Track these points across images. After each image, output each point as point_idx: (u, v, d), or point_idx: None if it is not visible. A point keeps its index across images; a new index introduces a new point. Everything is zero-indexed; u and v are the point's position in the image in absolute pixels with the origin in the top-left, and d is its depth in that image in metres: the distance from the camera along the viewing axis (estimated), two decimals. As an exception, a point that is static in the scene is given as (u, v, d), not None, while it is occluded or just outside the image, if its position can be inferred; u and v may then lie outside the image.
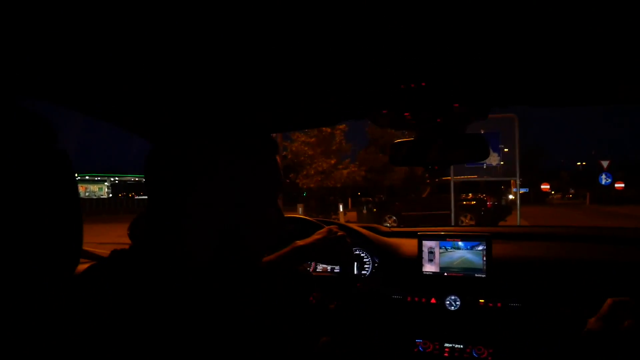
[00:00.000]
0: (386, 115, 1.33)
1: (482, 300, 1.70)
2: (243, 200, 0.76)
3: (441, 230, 1.93)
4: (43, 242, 0.60)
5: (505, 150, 9.09)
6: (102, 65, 0.98)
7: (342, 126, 23.88)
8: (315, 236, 1.33)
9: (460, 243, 1.77)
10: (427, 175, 27.14)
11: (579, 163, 60.79)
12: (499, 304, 1.67)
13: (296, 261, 1.28)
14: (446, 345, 1.69)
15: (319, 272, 1.98)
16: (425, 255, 1.82)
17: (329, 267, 1.98)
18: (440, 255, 1.79)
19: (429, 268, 1.81)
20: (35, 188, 0.59)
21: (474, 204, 14.68)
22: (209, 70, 1.04)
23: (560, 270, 1.67)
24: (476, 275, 1.73)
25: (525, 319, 1.62)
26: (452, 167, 9.32)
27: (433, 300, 1.77)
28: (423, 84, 1.15)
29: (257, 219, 0.79)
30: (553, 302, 1.59)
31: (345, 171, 24.10)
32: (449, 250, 1.78)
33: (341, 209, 17.81)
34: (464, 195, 14.59)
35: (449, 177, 9.88)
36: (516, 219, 9.55)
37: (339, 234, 1.34)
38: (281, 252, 1.26)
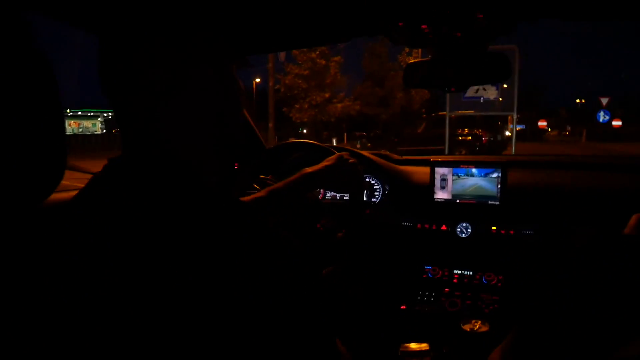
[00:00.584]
0: (402, 28, 1.24)
1: (495, 228, 1.67)
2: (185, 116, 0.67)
3: (455, 157, 1.87)
4: (24, 145, 0.55)
5: (504, 85, 8.82)
6: None
7: (336, 57, 23.20)
8: (325, 163, 1.28)
9: (474, 170, 1.71)
10: (423, 110, 26.79)
11: (578, 100, 59.58)
12: (511, 232, 1.64)
13: (304, 188, 1.24)
14: (455, 271, 1.68)
15: (327, 199, 1.95)
16: (437, 182, 1.77)
17: (338, 195, 1.95)
18: (453, 183, 1.74)
19: (440, 195, 1.77)
20: (13, 87, 0.53)
21: (469, 139, 14.62)
22: None
23: (575, 198, 1.62)
24: (489, 202, 1.69)
25: (537, 247, 1.59)
26: (447, 100, 9.14)
27: (444, 227, 1.74)
28: None
29: (201, 141, 0.69)
30: (567, 230, 1.55)
31: (339, 105, 23.66)
32: (462, 177, 1.73)
33: (334, 144, 17.77)
34: (460, 130, 14.56)
35: (444, 112, 9.73)
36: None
37: (350, 161, 1.29)
38: (289, 180, 1.22)
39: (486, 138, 14.43)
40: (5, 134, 0.52)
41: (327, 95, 23.11)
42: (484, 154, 13.57)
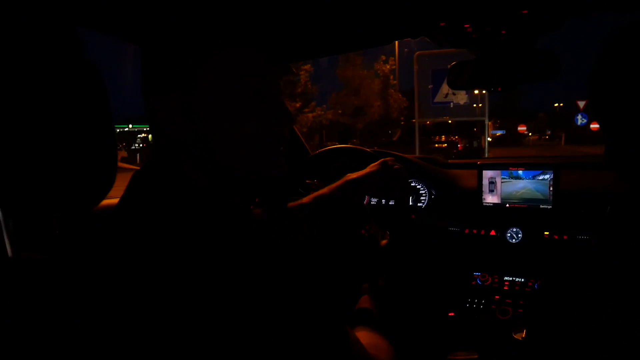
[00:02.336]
0: (444, 28, 1.21)
1: (547, 233, 1.60)
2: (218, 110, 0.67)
3: (503, 159, 1.81)
4: (77, 154, 0.57)
5: (475, 90, 8.48)
6: None
7: (306, 66, 22.96)
8: (370, 169, 1.26)
9: (524, 172, 1.65)
10: (402, 118, 26.11)
11: (556, 104, 58.30)
12: (565, 237, 1.57)
13: (349, 195, 1.22)
14: (506, 278, 1.62)
15: (372, 203, 1.93)
16: (485, 185, 1.72)
17: (383, 200, 1.93)
18: (502, 186, 1.69)
19: (489, 199, 1.71)
20: (67, 99, 0.55)
21: (445, 146, 14.46)
22: None
23: (634, 200, 1.53)
24: (541, 206, 1.62)
25: (594, 253, 1.51)
26: (416, 107, 8.96)
27: (493, 233, 1.68)
28: None
29: (234, 133, 0.68)
30: (628, 235, 1.47)
31: (311, 115, 23.39)
32: (511, 180, 1.67)
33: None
34: (437, 138, 14.35)
35: (414, 120, 9.57)
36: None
37: (395, 167, 1.27)
38: (333, 186, 1.21)
39: (462, 145, 14.29)
40: (63, 142, 0.55)
41: (297, 104, 22.79)
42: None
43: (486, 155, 9.60)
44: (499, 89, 1.45)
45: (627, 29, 0.58)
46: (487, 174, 1.71)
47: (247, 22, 0.69)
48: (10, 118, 0.51)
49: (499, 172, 1.69)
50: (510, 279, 1.61)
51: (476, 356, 1.12)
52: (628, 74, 0.57)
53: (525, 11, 1.08)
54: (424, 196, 1.87)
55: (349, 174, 1.24)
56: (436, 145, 14.65)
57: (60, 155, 0.54)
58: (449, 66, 1.50)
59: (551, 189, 1.60)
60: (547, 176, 1.61)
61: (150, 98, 0.68)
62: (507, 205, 1.68)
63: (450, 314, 1.59)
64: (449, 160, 2.08)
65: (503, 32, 1.19)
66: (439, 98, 8.32)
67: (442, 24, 1.17)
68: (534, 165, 1.64)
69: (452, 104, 8.44)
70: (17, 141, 0.51)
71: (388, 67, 25.35)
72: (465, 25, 1.16)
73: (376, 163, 1.28)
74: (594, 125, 30.63)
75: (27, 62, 0.52)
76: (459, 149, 14.49)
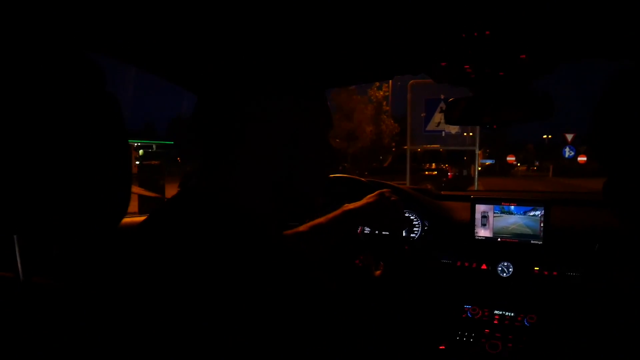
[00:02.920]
0: (445, 68, 1.25)
1: (537, 268, 1.63)
2: (293, 146, 0.75)
3: (496, 194, 1.85)
4: (94, 183, 0.58)
5: None
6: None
7: None
8: (367, 200, 1.28)
9: (515, 208, 1.68)
10: (393, 144, 26.38)
11: (545, 136, 60.74)
12: (554, 273, 1.60)
13: (346, 225, 1.24)
14: (496, 312, 1.64)
15: (366, 233, 1.95)
16: (478, 219, 1.74)
17: (377, 230, 1.94)
18: (494, 220, 1.72)
19: (482, 233, 1.74)
20: (88, 129, 0.58)
21: (435, 174, 14.66)
22: (259, 20, 0.99)
23: (622, 238, 1.57)
24: (532, 241, 1.65)
25: (583, 290, 1.54)
26: (408, 134, 9.15)
27: (484, 266, 1.71)
28: (487, 32, 1.06)
29: (309, 163, 0.78)
30: (616, 273, 1.49)
31: None
32: (503, 215, 1.71)
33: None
34: (427, 165, 14.54)
35: (406, 147, 9.73)
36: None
37: (392, 199, 1.29)
38: (330, 215, 1.23)
39: (452, 173, 14.49)
40: (81, 170, 0.57)
41: None
42: (450, 189, 13.37)
43: (475, 184, 9.67)
44: (494, 126, 1.49)
45: (629, 72, 0.61)
46: (480, 208, 1.74)
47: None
48: (31, 148, 0.53)
49: (491, 206, 1.73)
50: (500, 312, 1.63)
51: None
52: (630, 115, 0.60)
53: (524, 56, 1.13)
54: (417, 227, 1.89)
55: (346, 204, 1.26)
56: (426, 172, 14.76)
57: (78, 182, 0.56)
58: (443, 102, 1.54)
59: (542, 225, 1.64)
60: (538, 212, 1.65)
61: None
62: (499, 239, 1.71)
63: (441, 347, 1.60)
64: (442, 192, 2.11)
65: (501, 73, 1.24)
66: (431, 126, 8.42)
67: (443, 63, 1.21)
68: (525, 201, 1.68)
69: (444, 132, 8.54)
70: (38, 169, 0.53)
71: (382, 93, 25.60)
72: (465, 66, 1.20)
73: (373, 194, 1.30)
74: (582, 158, 31.14)
75: (50, 93, 0.54)
76: (449, 177, 14.61)
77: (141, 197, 6.62)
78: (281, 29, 1.06)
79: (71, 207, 0.56)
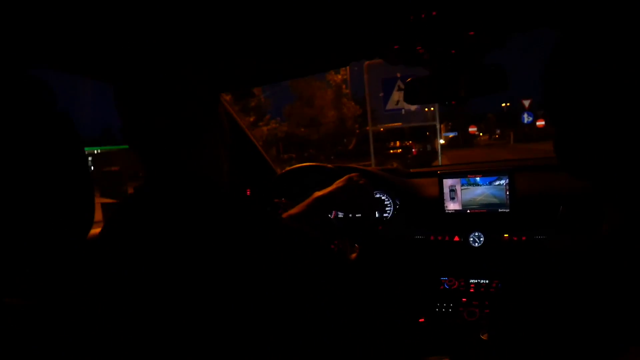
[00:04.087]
0: (398, 50, 1.28)
1: (507, 235, 1.68)
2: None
3: (462, 167, 1.89)
4: (54, 205, 0.59)
5: None
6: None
7: None
8: (336, 185, 1.30)
9: (481, 179, 1.73)
10: (356, 126, 26.67)
11: (503, 104, 62.48)
12: (523, 238, 1.65)
13: (318, 212, 1.26)
14: (471, 281, 1.70)
15: (339, 217, 1.98)
16: (446, 194, 1.79)
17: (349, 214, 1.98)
18: (462, 193, 1.77)
19: (451, 206, 1.79)
20: (41, 150, 0.58)
21: (399, 152, 14.89)
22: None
23: (586, 200, 1.63)
24: (500, 210, 1.71)
25: (551, 251, 1.60)
26: (369, 115, 9.28)
27: (456, 238, 1.76)
28: (434, 12, 1.08)
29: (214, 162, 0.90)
30: (582, 234, 1.56)
31: (265, 128, 23.48)
32: (470, 187, 1.75)
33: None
34: (392, 144, 14.74)
35: (368, 127, 9.87)
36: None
37: (360, 182, 1.32)
38: (302, 204, 1.25)
39: (416, 149, 14.74)
40: (41, 190, 0.57)
41: (251, 118, 22.77)
42: (416, 166, 13.59)
43: (439, 158, 9.82)
44: (453, 102, 1.53)
45: (571, 38, 0.65)
46: (448, 183, 1.79)
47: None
48: None
49: (458, 180, 1.77)
50: (476, 281, 1.69)
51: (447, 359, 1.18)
52: (573, 78, 0.63)
53: (472, 32, 1.16)
54: (388, 207, 1.93)
55: (316, 192, 1.28)
56: (391, 151, 14.83)
57: (37, 202, 0.57)
58: (400, 80, 1.57)
59: (507, 193, 1.69)
60: (502, 181, 1.70)
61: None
62: (468, 211, 1.76)
63: (420, 320, 1.65)
64: (411, 170, 2.15)
65: (453, 51, 1.27)
66: (390, 105, 8.48)
67: (395, 47, 1.24)
68: (490, 172, 1.73)
69: (403, 110, 8.63)
70: None
71: (340, 76, 25.48)
72: (417, 47, 1.23)
73: (342, 179, 1.33)
74: (540, 123, 32.08)
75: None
76: (414, 153, 14.76)
77: (104, 205, 6.53)
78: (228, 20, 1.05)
79: (36, 227, 0.57)
